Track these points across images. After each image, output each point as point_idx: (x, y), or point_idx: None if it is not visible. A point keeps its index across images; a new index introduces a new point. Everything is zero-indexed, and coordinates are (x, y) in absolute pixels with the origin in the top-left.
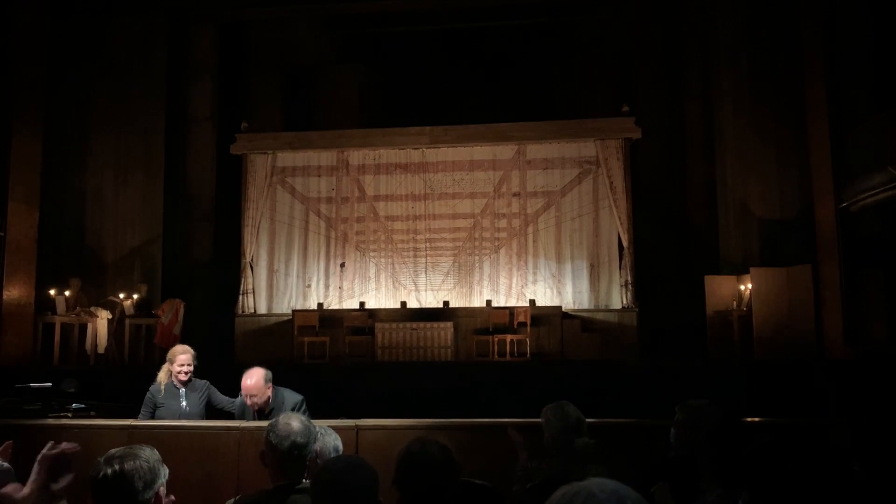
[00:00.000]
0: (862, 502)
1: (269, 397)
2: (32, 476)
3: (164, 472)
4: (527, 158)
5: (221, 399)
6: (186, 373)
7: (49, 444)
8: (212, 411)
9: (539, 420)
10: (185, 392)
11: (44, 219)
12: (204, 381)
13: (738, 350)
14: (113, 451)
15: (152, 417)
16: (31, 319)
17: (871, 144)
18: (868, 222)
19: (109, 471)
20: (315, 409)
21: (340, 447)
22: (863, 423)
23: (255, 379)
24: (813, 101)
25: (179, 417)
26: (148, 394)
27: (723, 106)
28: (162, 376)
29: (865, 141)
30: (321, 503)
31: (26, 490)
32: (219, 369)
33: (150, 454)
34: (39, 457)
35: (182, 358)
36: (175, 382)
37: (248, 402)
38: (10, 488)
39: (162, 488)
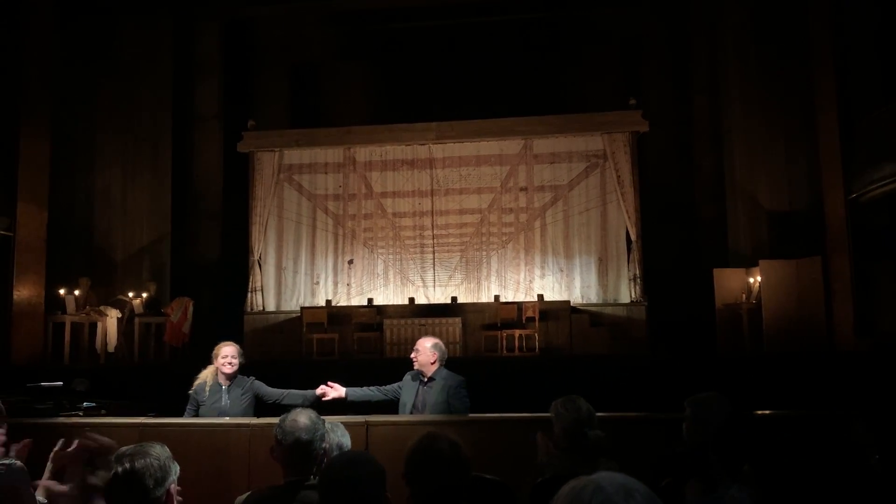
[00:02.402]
0: (878, 493)
1: (431, 363)
2: (69, 473)
3: (175, 469)
4: (533, 153)
5: (270, 392)
6: (230, 364)
7: (61, 442)
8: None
9: (549, 415)
10: (228, 388)
11: (53, 219)
12: (249, 378)
13: (747, 343)
14: (124, 448)
15: (196, 416)
16: (41, 319)
17: (880, 135)
18: (878, 213)
19: (120, 469)
20: (325, 405)
21: (346, 444)
22: (876, 415)
23: (427, 340)
24: (821, 92)
25: (220, 415)
26: (191, 392)
27: (730, 98)
28: (206, 374)
29: (875, 131)
30: (328, 499)
31: (65, 486)
32: None
33: (160, 451)
34: (69, 452)
35: (225, 350)
36: (220, 379)
37: (412, 354)
38: (48, 483)
39: (173, 485)
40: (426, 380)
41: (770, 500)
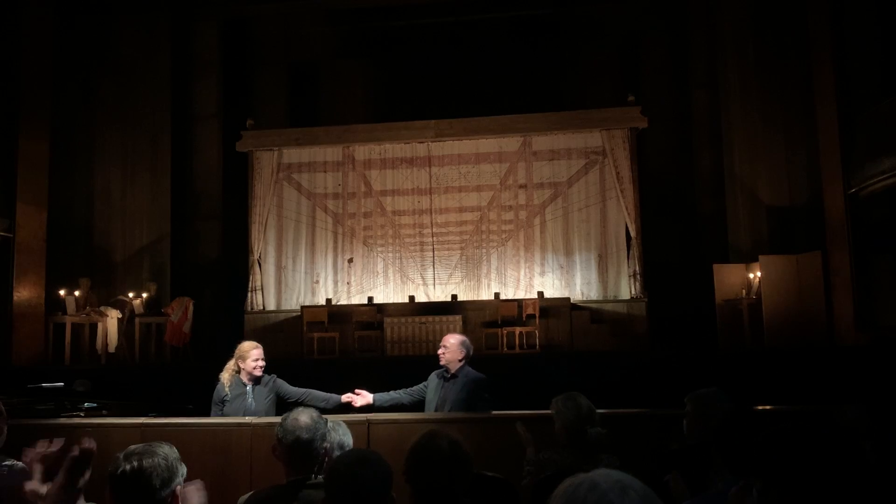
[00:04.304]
0: (877, 487)
1: (458, 360)
2: (58, 476)
3: (182, 470)
4: (533, 150)
5: (292, 391)
6: (262, 367)
7: (46, 443)
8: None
9: (549, 411)
10: (252, 388)
11: (52, 219)
12: (271, 376)
13: (748, 338)
14: (133, 447)
15: (223, 416)
16: (41, 320)
17: (879, 129)
18: (878, 207)
19: (128, 467)
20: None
21: (347, 443)
22: (876, 409)
23: (456, 336)
24: (820, 87)
25: (245, 415)
26: (214, 394)
27: (729, 93)
28: (226, 376)
29: (874, 126)
30: (333, 497)
31: (49, 488)
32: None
33: (168, 452)
34: (55, 452)
35: (255, 353)
36: (244, 379)
37: (440, 350)
38: (32, 485)
39: (179, 487)
40: (449, 377)
41: (773, 493)
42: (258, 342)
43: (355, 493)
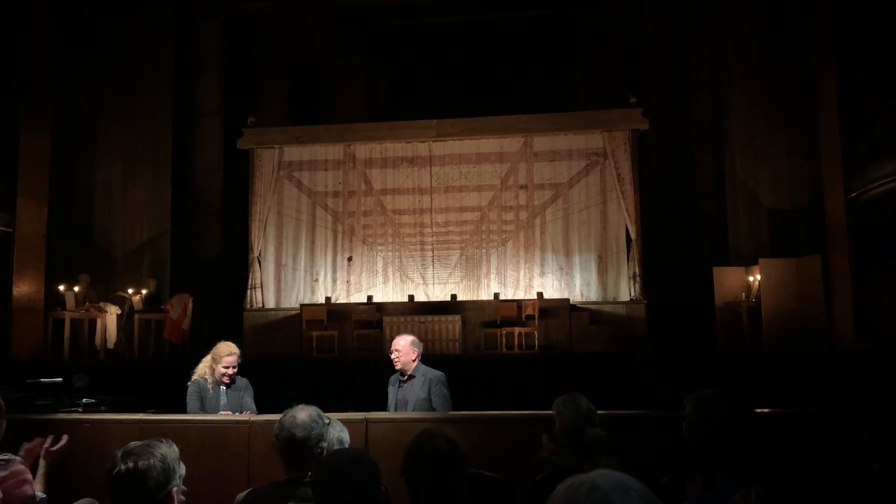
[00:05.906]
0: (876, 492)
1: (412, 361)
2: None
3: (180, 470)
4: (534, 151)
5: (249, 405)
6: (230, 377)
7: (50, 439)
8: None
9: (550, 412)
10: (226, 389)
11: (53, 215)
12: (244, 381)
13: (747, 341)
14: (132, 445)
15: (203, 409)
16: (41, 315)
17: (881, 133)
18: (878, 211)
19: (123, 468)
20: (324, 402)
21: (346, 439)
22: (875, 413)
23: (405, 338)
24: (822, 90)
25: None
26: (192, 387)
27: (731, 95)
28: (204, 369)
29: (876, 129)
30: (321, 496)
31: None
32: None
33: (167, 451)
34: (61, 448)
35: (227, 360)
36: (217, 379)
37: (392, 355)
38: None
39: (175, 487)
40: (405, 378)
41: (773, 496)
42: (258, 340)
43: (342, 494)
